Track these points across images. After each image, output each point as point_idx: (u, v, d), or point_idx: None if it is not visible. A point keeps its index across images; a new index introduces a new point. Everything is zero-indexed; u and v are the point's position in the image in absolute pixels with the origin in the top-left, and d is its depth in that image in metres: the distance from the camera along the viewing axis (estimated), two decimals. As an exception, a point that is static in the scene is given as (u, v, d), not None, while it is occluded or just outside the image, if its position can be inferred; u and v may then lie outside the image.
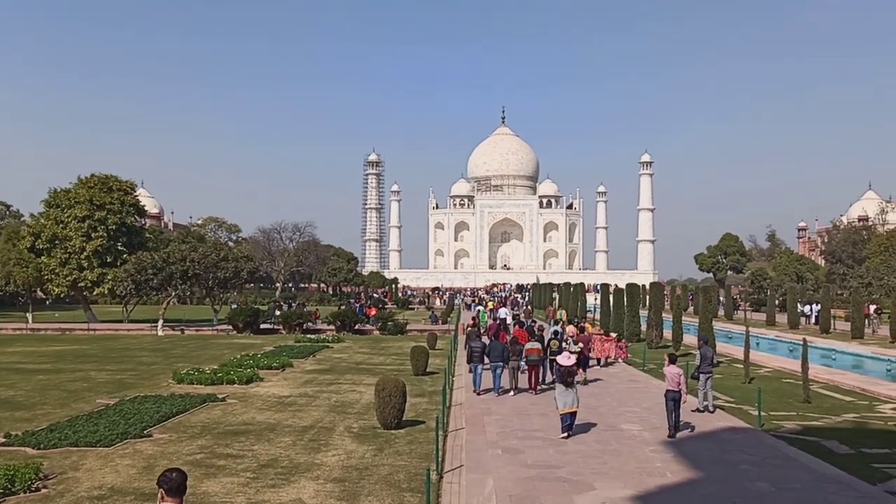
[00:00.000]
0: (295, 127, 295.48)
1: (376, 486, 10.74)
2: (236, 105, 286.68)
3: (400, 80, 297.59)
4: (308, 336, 38.70)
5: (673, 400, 14.36)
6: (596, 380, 22.35)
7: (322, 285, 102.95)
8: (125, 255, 45.45)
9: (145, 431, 14.34)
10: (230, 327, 42.71)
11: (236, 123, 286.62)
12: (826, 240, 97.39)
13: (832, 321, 43.82)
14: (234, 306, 49.85)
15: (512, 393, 19.75)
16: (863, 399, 19.21)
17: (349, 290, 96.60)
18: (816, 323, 45.84)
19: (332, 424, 15.60)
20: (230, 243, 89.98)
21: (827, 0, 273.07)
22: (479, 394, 19.58)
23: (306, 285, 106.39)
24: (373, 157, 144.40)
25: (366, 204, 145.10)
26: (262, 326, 43.34)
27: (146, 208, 55.86)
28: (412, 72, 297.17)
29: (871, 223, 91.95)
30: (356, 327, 43.29)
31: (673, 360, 15.11)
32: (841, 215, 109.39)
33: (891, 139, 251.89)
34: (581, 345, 22.63)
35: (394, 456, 12.73)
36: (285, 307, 53.38)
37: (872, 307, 48.56)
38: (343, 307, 51.09)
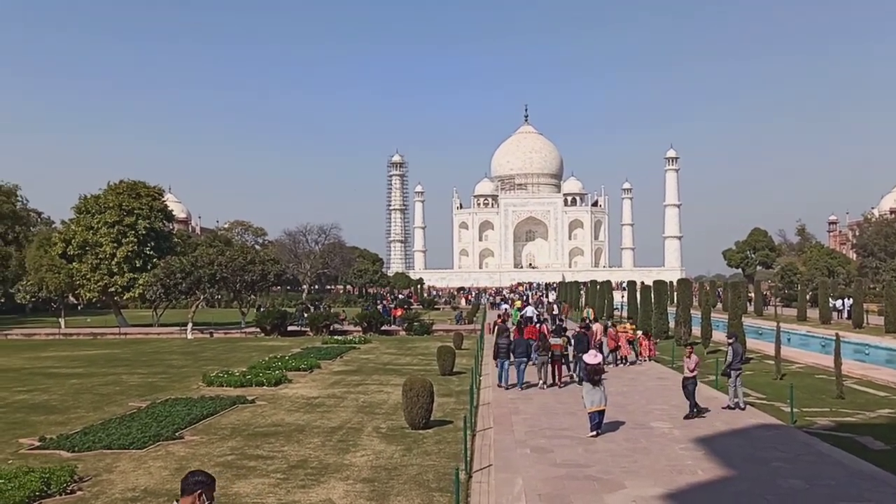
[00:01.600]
0: (319, 130, 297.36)
1: (405, 486, 10.76)
2: (261, 109, 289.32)
3: (421, 80, 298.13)
4: (335, 338, 38.89)
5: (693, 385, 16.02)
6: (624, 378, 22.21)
7: (348, 287, 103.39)
8: (154, 260, 46.02)
9: (177, 434, 14.49)
10: (258, 330, 43.03)
11: (261, 128, 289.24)
12: (857, 233, 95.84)
13: (865, 315, 43.12)
14: (261, 309, 50.22)
15: (540, 386, 20.44)
16: (898, 394, 18.89)
17: (375, 291, 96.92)
18: (849, 318, 45.11)
19: (360, 425, 15.66)
20: (256, 247, 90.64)
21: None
22: (506, 388, 20.11)
23: (332, 287, 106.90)
24: (396, 159, 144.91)
25: (390, 205, 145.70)
26: (290, 329, 43.63)
27: (174, 213, 56.55)
28: (434, 72, 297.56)
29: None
30: (382, 328, 43.42)
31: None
32: (872, 208, 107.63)
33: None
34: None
35: (422, 456, 12.74)
36: (311, 309, 53.69)
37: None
38: (367, 308, 51.28)
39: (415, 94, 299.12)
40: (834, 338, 19.80)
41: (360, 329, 43.00)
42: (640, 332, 28.52)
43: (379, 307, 55.58)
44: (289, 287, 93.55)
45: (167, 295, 44.83)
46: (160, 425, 15.09)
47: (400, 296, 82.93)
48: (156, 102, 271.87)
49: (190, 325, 42.73)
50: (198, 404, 17.67)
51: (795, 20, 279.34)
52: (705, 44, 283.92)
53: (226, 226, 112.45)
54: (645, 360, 26.54)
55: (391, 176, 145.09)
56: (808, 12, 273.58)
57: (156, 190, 49.36)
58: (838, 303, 51.27)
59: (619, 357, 25.66)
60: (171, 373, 25.41)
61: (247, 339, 41.15)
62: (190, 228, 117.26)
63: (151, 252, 46.83)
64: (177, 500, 4.38)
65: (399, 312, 49.83)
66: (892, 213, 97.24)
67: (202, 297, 46.71)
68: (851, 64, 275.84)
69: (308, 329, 43.55)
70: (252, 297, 52.05)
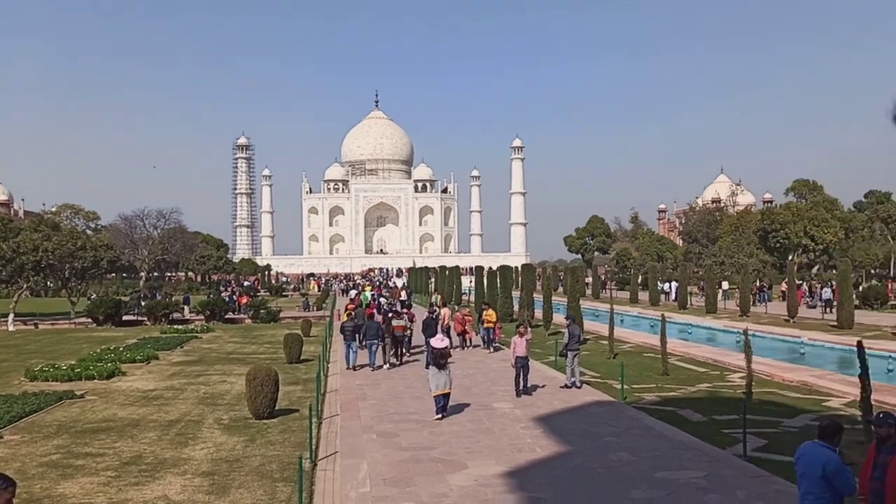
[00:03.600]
0: (157, 108, 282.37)
1: (247, 478, 10.49)
2: (93, 85, 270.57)
3: (268, 61, 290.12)
4: (175, 327, 37.21)
5: (523, 366, 16.66)
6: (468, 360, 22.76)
7: (190, 274, 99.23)
8: (-31, 246, 42.02)
9: (-6, 434, 13.37)
10: (89, 320, 40.43)
11: (94, 104, 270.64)
12: (683, 221, 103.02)
13: (689, 297, 46.54)
14: (93, 297, 47.23)
15: (386, 367, 21.59)
16: (715, 370, 20.54)
17: (219, 277, 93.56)
18: (676, 299, 48.47)
19: (200, 417, 15.10)
20: (88, 231, 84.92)
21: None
22: (354, 370, 21.15)
23: (173, 274, 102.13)
24: (242, 141, 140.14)
25: (236, 189, 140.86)
26: (125, 318, 41.30)
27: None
28: (281, 52, 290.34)
29: (723, 205, 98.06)
30: (227, 316, 42.06)
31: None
32: (696, 198, 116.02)
33: (741, 126, 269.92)
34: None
35: (266, 446, 12.47)
36: (149, 297, 51.11)
37: (724, 284, 51.98)
38: (210, 296, 49.49)
39: (262, 75, 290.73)
40: (660, 318, 21.21)
41: (202, 318, 41.43)
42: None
43: (224, 295, 53.75)
44: (125, 274, 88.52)
45: (-15, 284, 41.16)
46: (-26, 426, 13.85)
47: (245, 283, 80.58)
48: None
49: (11, 315, 39.45)
50: (19, 401, 16.35)
51: (627, 18, 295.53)
52: (546, 41, 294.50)
53: (53, 209, 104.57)
54: (496, 344, 27.20)
55: (237, 159, 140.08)
56: (632, 9, 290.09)
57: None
58: (666, 286, 54.97)
59: (465, 341, 26.22)
60: (-11, 368, 23.37)
61: (77, 330, 38.53)
62: (12, 212, 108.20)
63: (-34, 237, 42.78)
64: None
65: (245, 300, 48.42)
66: (713, 202, 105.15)
67: (25, 287, 43.28)
68: (677, 68, 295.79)
69: (146, 318, 41.43)
70: (83, 285, 48.84)
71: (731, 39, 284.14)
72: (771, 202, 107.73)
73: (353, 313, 26.08)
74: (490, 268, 42.40)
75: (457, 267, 56.10)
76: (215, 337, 32.98)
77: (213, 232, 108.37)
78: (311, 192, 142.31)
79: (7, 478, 4.12)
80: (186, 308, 44.35)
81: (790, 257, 70.60)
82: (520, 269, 46.95)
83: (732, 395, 16.38)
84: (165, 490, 9.94)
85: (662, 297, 51.58)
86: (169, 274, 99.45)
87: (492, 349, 25.20)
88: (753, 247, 69.27)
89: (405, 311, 26.77)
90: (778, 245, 72.19)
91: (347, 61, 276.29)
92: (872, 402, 12.31)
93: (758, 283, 50.65)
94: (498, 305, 35.55)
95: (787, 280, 39.30)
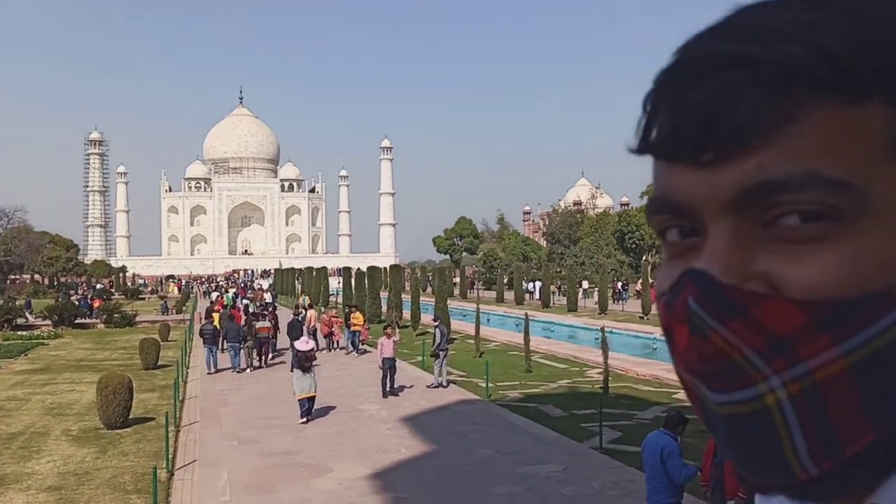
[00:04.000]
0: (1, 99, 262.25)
1: (98, 491, 9.93)
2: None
3: (124, 52, 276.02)
4: (19, 333, 34.66)
5: (390, 367, 16.61)
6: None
7: (37, 276, 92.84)
8: None
9: None
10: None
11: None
12: (547, 222, 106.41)
13: (552, 297, 48.11)
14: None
15: (249, 370, 21.22)
16: (575, 366, 21.36)
17: (69, 280, 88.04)
18: (540, 298, 49.93)
19: (46, 429, 14.13)
20: (-82, 230, 77.81)
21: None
22: (214, 373, 20.72)
23: (17, 277, 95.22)
24: (95, 136, 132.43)
25: (87, 187, 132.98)
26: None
27: None
28: (139, 44, 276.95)
29: (583, 207, 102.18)
30: (77, 321, 39.58)
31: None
32: (559, 200, 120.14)
33: (599, 132, 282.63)
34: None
35: (119, 457, 11.84)
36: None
37: (585, 283, 54.18)
38: (60, 299, 46.49)
39: (117, 67, 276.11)
40: (524, 317, 21.82)
41: (49, 323, 38.77)
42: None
43: (74, 298, 50.58)
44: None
45: None
46: None
47: (98, 285, 76.25)
48: None
49: None
50: None
51: (494, 24, 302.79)
52: (415, 43, 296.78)
53: None
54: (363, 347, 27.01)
55: (89, 155, 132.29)
56: (497, 17, 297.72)
57: None
58: (530, 285, 56.53)
59: (332, 343, 25.93)
60: None
61: None
62: None
63: None
64: None
65: (97, 303, 45.74)
66: (575, 205, 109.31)
67: None
68: (541, 77, 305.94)
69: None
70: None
71: (587, 55, 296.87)
72: (628, 205, 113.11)
73: (221, 315, 25.25)
74: (359, 269, 42.20)
75: (324, 268, 55.52)
76: (64, 343, 30.99)
77: (62, 232, 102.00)
78: (170, 190, 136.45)
79: None
80: (28, 313, 41.42)
81: (644, 257, 74.45)
82: (388, 269, 46.97)
83: (591, 390, 17.07)
84: (4, 509, 9.25)
85: (527, 296, 53.01)
86: (13, 276, 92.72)
87: (357, 353, 24.87)
88: (612, 247, 72.54)
89: (268, 312, 26.19)
90: (634, 246, 75.94)
91: (210, 55, 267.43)
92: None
93: (619, 283, 53.07)
94: (366, 306, 35.45)
95: (641, 279, 41.44)
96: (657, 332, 29.36)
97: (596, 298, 43.46)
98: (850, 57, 0.41)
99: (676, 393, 16.74)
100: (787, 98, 0.41)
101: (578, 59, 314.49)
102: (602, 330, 18.78)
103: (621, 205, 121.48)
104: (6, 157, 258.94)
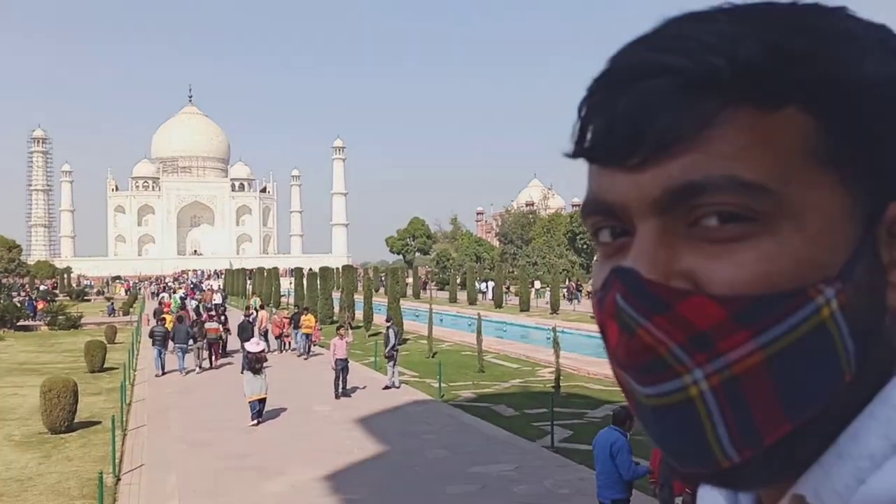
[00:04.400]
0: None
1: (41, 497, 9.69)
2: None
3: (68, 46, 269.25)
4: (-42, 336, 33.56)
5: (343, 368, 16.63)
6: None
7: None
8: None
9: None
10: None
11: None
12: (500, 223, 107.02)
13: (504, 296, 48.40)
14: None
15: (197, 371, 21.20)
16: (527, 365, 21.53)
17: (10, 281, 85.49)
18: (492, 298, 50.18)
19: (-14, 434, 13.72)
20: None
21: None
22: (162, 375, 20.58)
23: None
24: (38, 133, 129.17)
25: (30, 185, 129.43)
26: None
27: None
28: (83, 38, 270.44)
29: (536, 208, 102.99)
30: (19, 323, 38.47)
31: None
32: (512, 201, 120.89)
33: (551, 135, 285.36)
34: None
35: (63, 462, 11.56)
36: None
37: (537, 283, 54.63)
38: (3, 301, 45.08)
39: (60, 61, 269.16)
40: (477, 317, 21.92)
41: (-10, 325, 37.61)
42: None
43: (17, 300, 49.12)
44: None
45: None
46: None
47: (41, 286, 74.20)
48: None
49: None
50: None
51: (451, 28, 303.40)
52: (368, 43, 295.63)
53: None
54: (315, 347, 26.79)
55: (32, 152, 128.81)
56: (456, 19, 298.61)
57: None
58: (483, 285, 56.77)
59: (284, 344, 25.68)
60: None
61: None
62: None
63: None
64: None
65: (41, 305, 44.54)
66: (527, 205, 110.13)
67: None
68: (494, 84, 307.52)
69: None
70: None
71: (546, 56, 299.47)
72: (579, 206, 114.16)
73: (178, 317, 24.54)
74: (311, 269, 41.88)
75: (276, 268, 55.01)
76: (6, 346, 30.09)
77: (4, 232, 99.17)
78: (117, 189, 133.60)
79: None
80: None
81: (595, 258, 75.27)
82: (341, 270, 46.71)
83: (542, 390, 17.22)
84: (-59, 518, 8.96)
85: (480, 296, 53.20)
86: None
87: (307, 356, 24.49)
88: (563, 248, 73.29)
89: (216, 314, 25.69)
90: (585, 246, 76.80)
91: (158, 52, 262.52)
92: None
93: (574, 283, 53.63)
94: (318, 307, 35.19)
95: (592, 280, 41.94)
96: (608, 331, 29.78)
97: (548, 298, 43.88)
98: (764, 67, 0.43)
99: (626, 391, 17.00)
100: (708, 105, 0.44)
101: (532, 59, 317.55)
102: (554, 329, 18.97)
103: (573, 205, 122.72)
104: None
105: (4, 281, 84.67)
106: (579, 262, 74.22)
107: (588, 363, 21.16)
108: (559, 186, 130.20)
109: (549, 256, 67.78)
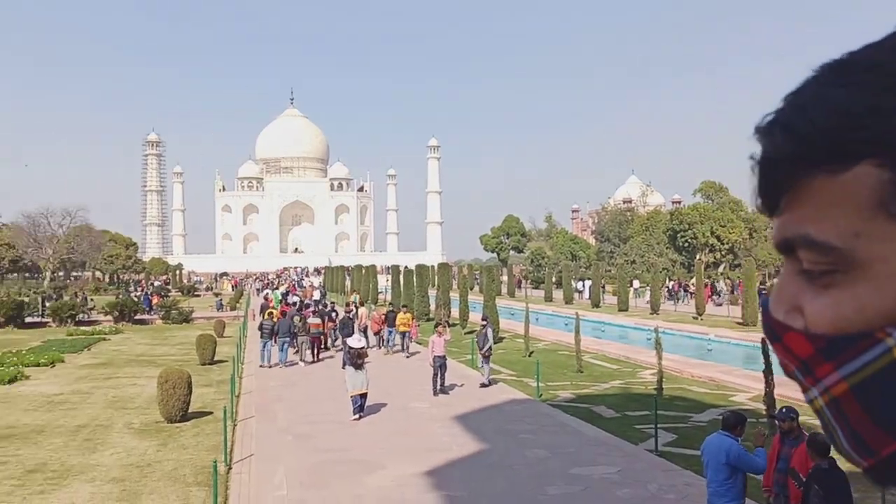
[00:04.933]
0: (64, 103, 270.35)
1: (159, 484, 10.22)
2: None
3: (180, 56, 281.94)
4: (82, 328, 35.77)
5: (441, 366, 16.72)
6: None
7: (97, 273, 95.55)
8: None
9: None
10: (-12, 322, 38.34)
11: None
12: (596, 220, 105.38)
13: (602, 296, 47.66)
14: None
15: (301, 364, 22.05)
16: (627, 366, 21.14)
17: (128, 277, 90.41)
18: (589, 298, 49.47)
19: (109, 421, 14.59)
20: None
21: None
22: (269, 367, 21.51)
23: (79, 274, 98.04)
24: (152, 137, 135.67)
25: (145, 186, 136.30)
26: (28, 320, 39.39)
27: None
28: (192, 48, 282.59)
29: (633, 205, 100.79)
30: (136, 317, 40.65)
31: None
32: (609, 198, 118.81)
33: (650, 130, 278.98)
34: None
35: (179, 450, 12.16)
36: (54, 297, 48.87)
37: (636, 282, 53.47)
38: (121, 296, 47.74)
39: (172, 70, 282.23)
40: (574, 316, 21.68)
41: (111, 319, 39.91)
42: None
43: (134, 295, 51.91)
44: (28, 275, 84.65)
45: None
46: None
47: (156, 282, 78.10)
48: None
49: None
50: None
51: (544, 23, 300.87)
52: (464, 43, 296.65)
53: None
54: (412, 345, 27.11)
55: (147, 155, 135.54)
56: (548, 15, 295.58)
57: None
58: (579, 284, 56.06)
59: (383, 340, 26.10)
60: None
61: (-27, 332, 36.54)
62: None
63: None
64: None
65: (155, 300, 46.92)
66: (624, 202, 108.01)
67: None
68: (594, 78, 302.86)
69: (50, 320, 39.60)
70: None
71: (644, 51, 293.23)
72: (679, 203, 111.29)
73: (281, 312, 25.41)
74: (406, 266, 42.40)
75: (373, 266, 55.90)
76: (125, 339, 31.89)
77: (121, 230, 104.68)
78: (224, 189, 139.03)
79: None
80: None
81: (697, 256, 73.20)
82: (436, 268, 47.09)
83: (644, 392, 16.89)
84: (73, 498, 9.59)
85: (576, 295, 52.60)
86: (75, 274, 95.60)
87: (408, 354, 24.70)
88: (663, 246, 71.53)
89: (316, 309, 26.34)
90: (686, 244, 74.73)
91: (262, 58, 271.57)
92: (776, 397, 12.85)
93: (677, 282, 52.22)
94: (415, 304, 35.61)
95: (695, 279, 40.74)
96: (712, 332, 28.96)
97: (647, 298, 42.93)
98: (826, 135, 0.49)
99: (734, 395, 16.47)
100: (790, 171, 0.52)
101: (628, 57, 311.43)
102: (656, 330, 18.56)
103: (673, 203, 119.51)
104: (69, 160, 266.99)
105: (123, 277, 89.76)
106: (680, 261, 72.26)
107: (691, 365, 20.63)
108: (658, 183, 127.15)
109: (649, 255, 66.26)
